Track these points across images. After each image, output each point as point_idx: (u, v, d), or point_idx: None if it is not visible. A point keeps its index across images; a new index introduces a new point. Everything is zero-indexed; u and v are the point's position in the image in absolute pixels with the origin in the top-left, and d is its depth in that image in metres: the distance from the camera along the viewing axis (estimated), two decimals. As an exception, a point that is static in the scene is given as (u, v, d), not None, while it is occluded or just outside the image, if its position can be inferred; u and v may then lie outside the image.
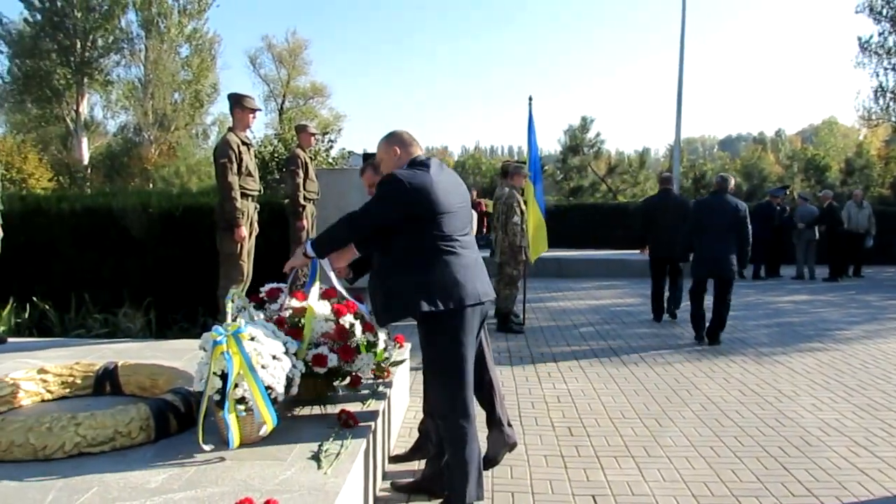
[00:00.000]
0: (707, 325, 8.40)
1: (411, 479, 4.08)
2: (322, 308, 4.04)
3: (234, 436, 3.23)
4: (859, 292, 13.41)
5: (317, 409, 3.97)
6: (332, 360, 3.87)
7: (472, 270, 3.57)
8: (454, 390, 3.49)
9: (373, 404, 4.08)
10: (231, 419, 3.20)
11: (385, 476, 4.20)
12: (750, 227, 8.32)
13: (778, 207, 15.90)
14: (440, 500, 3.67)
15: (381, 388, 4.36)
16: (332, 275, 3.92)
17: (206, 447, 3.22)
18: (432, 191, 3.49)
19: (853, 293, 13.28)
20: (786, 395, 6.17)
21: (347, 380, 4.07)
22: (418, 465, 4.30)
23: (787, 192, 17.96)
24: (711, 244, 8.20)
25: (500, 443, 4.33)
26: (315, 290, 4.03)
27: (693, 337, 8.51)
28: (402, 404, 5.37)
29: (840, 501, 4.01)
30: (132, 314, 7.68)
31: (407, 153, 3.73)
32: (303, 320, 3.92)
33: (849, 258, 15.81)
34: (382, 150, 3.79)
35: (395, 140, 3.76)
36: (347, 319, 4.02)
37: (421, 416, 5.08)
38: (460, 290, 3.45)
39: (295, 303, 4.08)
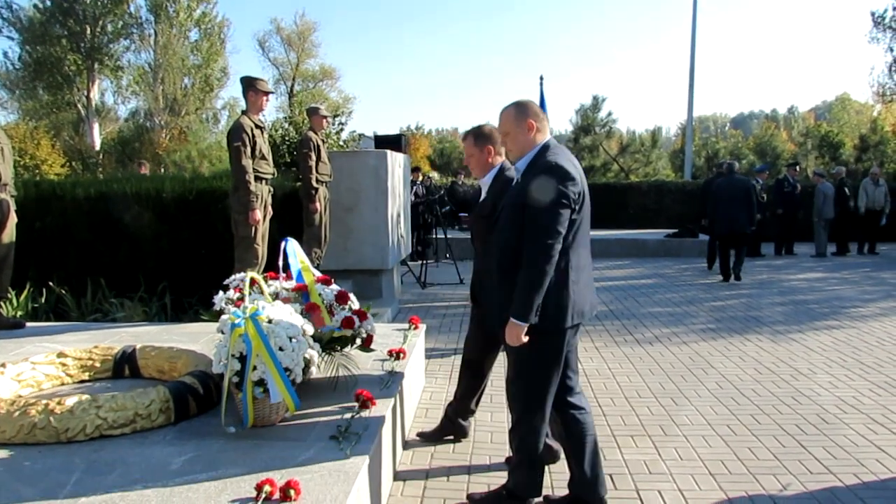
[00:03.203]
0: (732, 267, 11.49)
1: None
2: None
3: (249, 415, 3.26)
4: (874, 269, 13.34)
5: (335, 391, 3.99)
6: (356, 321, 3.99)
7: (592, 284, 3.33)
8: (542, 401, 3.25)
9: (389, 385, 4.10)
10: (248, 401, 3.23)
11: (403, 454, 4.23)
12: (755, 197, 11.61)
13: (785, 184, 15.74)
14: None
15: (397, 370, 4.39)
16: (301, 255, 4.14)
17: (230, 429, 3.25)
18: (584, 191, 3.08)
19: (868, 270, 13.22)
20: (802, 372, 6.16)
21: (358, 341, 4.15)
22: (434, 448, 4.34)
23: (798, 169, 17.74)
24: (728, 211, 11.22)
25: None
26: (299, 267, 4.20)
27: (720, 280, 11.50)
28: (418, 385, 5.39)
29: (858, 479, 4.00)
30: (147, 298, 7.72)
31: (543, 131, 3.19)
32: (309, 298, 4.03)
33: (865, 235, 15.77)
34: (511, 121, 3.18)
35: (529, 112, 3.16)
36: (335, 286, 4.25)
37: (440, 397, 5.14)
38: (585, 307, 3.20)
39: (289, 284, 4.19)
